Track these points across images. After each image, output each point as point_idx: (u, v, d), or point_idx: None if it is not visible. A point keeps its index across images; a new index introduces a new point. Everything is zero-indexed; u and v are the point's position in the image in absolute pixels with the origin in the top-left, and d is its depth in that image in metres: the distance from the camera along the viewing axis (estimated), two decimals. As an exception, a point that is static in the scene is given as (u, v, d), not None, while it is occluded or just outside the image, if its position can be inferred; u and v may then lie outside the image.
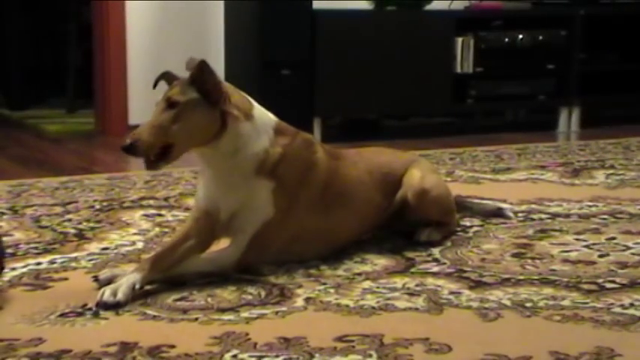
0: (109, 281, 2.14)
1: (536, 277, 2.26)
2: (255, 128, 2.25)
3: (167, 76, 2.24)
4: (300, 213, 2.31)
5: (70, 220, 2.82)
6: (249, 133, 2.23)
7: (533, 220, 2.84)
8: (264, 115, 2.30)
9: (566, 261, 2.40)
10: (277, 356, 1.75)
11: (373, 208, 2.49)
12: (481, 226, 2.76)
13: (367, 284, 2.20)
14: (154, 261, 2.15)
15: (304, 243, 2.34)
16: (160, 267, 2.15)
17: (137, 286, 2.07)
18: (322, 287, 2.17)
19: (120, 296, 2.03)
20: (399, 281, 2.22)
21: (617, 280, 2.24)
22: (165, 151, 2.14)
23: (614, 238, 2.62)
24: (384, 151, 2.68)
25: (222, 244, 2.30)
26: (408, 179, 2.52)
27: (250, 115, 2.25)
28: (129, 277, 2.08)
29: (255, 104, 2.30)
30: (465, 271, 2.30)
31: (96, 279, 2.19)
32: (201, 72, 2.15)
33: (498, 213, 2.85)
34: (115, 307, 2.01)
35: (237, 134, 2.21)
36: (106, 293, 2.03)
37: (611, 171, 3.65)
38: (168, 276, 2.17)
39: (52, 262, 2.38)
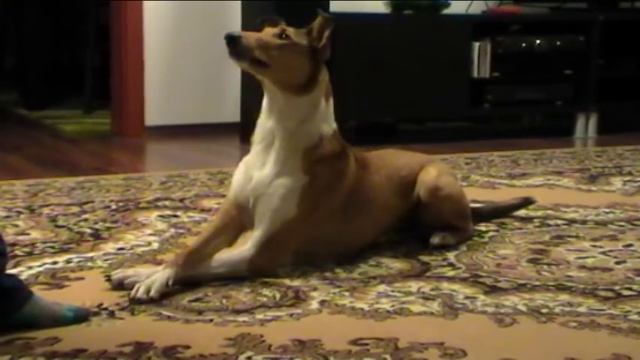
0: (120, 282, 2.15)
1: (552, 283, 2.25)
2: (327, 113, 2.33)
3: (272, 19, 2.37)
4: (320, 219, 2.32)
5: (86, 219, 2.83)
6: (322, 112, 2.31)
7: (549, 225, 2.83)
8: (332, 113, 2.36)
9: (582, 267, 2.39)
10: (292, 359, 1.75)
11: (390, 213, 2.50)
12: (497, 231, 2.75)
13: (382, 288, 2.19)
14: (187, 257, 2.18)
15: (320, 246, 2.35)
16: (193, 263, 2.18)
17: (170, 282, 2.11)
18: (337, 290, 2.17)
19: (153, 293, 2.06)
20: (414, 285, 2.22)
21: (634, 287, 2.22)
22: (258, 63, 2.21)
23: (631, 245, 2.61)
24: (403, 154, 2.68)
25: (248, 236, 2.31)
26: (422, 176, 2.54)
27: (329, 100, 2.34)
28: (162, 274, 2.11)
29: None
30: (481, 276, 2.30)
31: (108, 278, 2.20)
32: (322, 27, 2.26)
33: (526, 202, 2.92)
34: (149, 302, 2.04)
35: (314, 104, 2.29)
36: (141, 290, 2.06)
37: (628, 177, 3.63)
38: (197, 274, 2.18)
39: (68, 261, 2.39)
